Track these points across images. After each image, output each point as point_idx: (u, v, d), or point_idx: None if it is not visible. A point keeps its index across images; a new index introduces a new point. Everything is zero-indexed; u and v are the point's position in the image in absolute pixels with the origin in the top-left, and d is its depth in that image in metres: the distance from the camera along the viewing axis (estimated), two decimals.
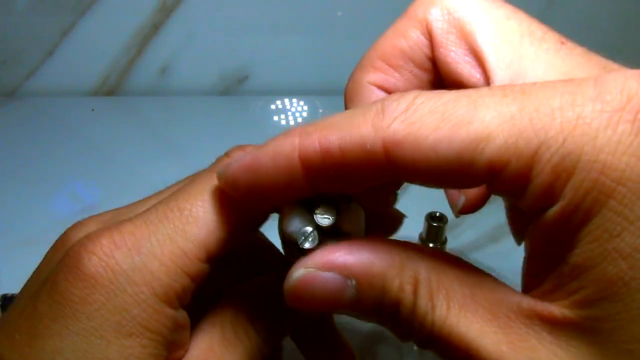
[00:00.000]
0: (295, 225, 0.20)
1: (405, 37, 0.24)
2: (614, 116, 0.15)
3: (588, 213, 0.15)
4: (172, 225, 0.20)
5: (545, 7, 0.67)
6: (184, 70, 0.69)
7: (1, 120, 0.63)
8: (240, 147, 0.23)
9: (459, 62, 0.22)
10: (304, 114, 0.67)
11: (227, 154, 0.23)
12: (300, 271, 0.18)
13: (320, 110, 0.67)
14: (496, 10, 0.22)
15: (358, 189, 0.19)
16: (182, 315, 0.20)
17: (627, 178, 0.15)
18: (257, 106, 0.67)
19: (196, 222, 0.20)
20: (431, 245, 0.42)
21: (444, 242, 0.43)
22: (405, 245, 0.18)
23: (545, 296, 0.17)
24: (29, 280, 0.21)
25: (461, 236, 0.49)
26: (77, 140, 0.60)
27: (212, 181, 0.21)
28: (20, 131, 0.62)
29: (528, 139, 0.15)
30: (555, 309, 0.16)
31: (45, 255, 0.22)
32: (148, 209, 0.21)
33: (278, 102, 0.68)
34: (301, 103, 0.68)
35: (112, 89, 0.70)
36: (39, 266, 0.22)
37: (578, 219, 0.15)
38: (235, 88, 0.71)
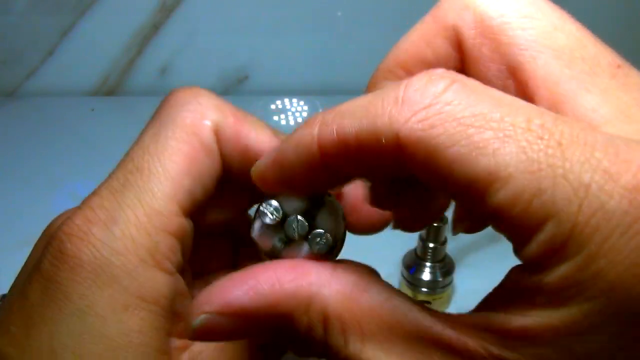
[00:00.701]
0: (268, 245, 0.20)
1: (431, 47, 0.21)
2: (634, 226, 0.14)
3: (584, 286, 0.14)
4: (136, 188, 0.19)
5: None
6: (184, 70, 0.69)
7: (1, 120, 0.63)
8: (194, 93, 0.22)
9: (494, 82, 0.20)
10: (304, 114, 0.67)
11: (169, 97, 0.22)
12: (202, 317, 0.18)
13: (320, 110, 0.67)
14: (541, 18, 0.19)
15: (376, 178, 0.18)
16: (178, 282, 0.20)
17: (633, 303, 0.14)
18: (257, 106, 0.67)
19: (158, 178, 0.20)
20: (431, 245, 0.42)
21: (444, 242, 0.43)
22: (316, 271, 0.18)
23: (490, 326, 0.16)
24: (18, 275, 0.21)
25: (461, 236, 0.49)
26: (77, 140, 0.60)
27: (161, 134, 0.20)
28: (20, 131, 0.62)
29: (543, 203, 0.14)
30: (476, 344, 0.15)
31: (32, 249, 0.22)
32: (109, 177, 0.20)
33: (278, 102, 0.68)
34: (301, 103, 0.68)
35: (112, 89, 0.70)
36: (26, 260, 0.22)
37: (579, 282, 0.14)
38: (235, 88, 0.71)
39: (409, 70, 0.22)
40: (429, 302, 0.44)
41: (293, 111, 0.67)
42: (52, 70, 0.68)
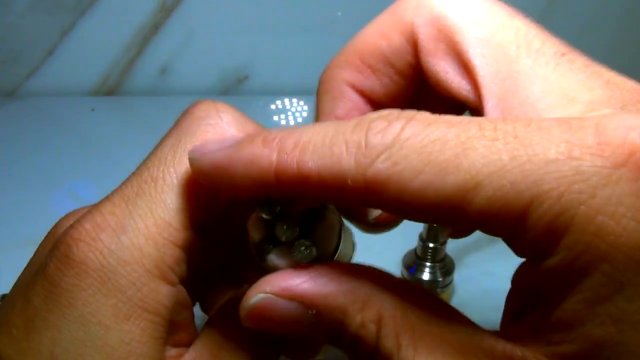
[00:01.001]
0: (257, 237, 0.20)
1: (387, 40, 0.22)
2: (614, 174, 0.14)
3: (580, 274, 0.15)
4: (149, 197, 0.19)
5: (545, 7, 0.67)
6: (184, 70, 0.69)
7: (1, 120, 0.63)
8: (214, 107, 0.22)
9: (448, 72, 0.21)
10: (304, 114, 0.67)
11: (189, 112, 0.22)
12: (259, 296, 0.18)
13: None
14: (491, 18, 0.20)
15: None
16: (180, 293, 0.20)
17: (624, 244, 0.14)
18: (257, 106, 0.67)
19: (172, 190, 0.20)
20: (431, 245, 0.42)
21: (444, 242, 0.43)
22: (372, 275, 0.18)
23: (522, 338, 0.16)
24: (21, 275, 0.21)
25: None
26: (77, 140, 0.60)
27: (180, 145, 0.20)
28: (20, 131, 0.62)
29: (519, 192, 0.15)
30: (531, 355, 0.16)
31: (37, 249, 0.22)
32: (123, 184, 0.20)
33: (278, 102, 0.68)
34: (301, 103, 0.68)
35: (112, 88, 0.70)
36: (30, 260, 0.21)
37: (569, 277, 0.15)
38: (235, 88, 0.71)
39: (366, 60, 0.23)
40: None
41: (293, 111, 0.67)
42: (52, 70, 0.68)
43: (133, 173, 0.21)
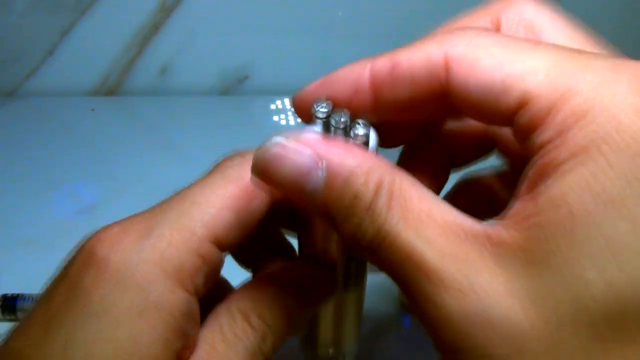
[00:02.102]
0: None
1: (475, 22, 0.24)
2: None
3: (580, 151, 0.16)
4: (177, 211, 0.21)
5: None
6: (184, 70, 0.69)
7: (1, 120, 0.63)
8: (240, 154, 0.23)
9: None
10: None
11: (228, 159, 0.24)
12: (275, 140, 0.19)
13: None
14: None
15: (418, 114, 0.21)
16: (194, 304, 0.20)
17: (632, 136, 0.15)
18: (257, 106, 0.67)
19: (199, 206, 0.21)
20: None
21: None
22: (379, 157, 0.19)
23: (505, 221, 0.17)
24: (50, 279, 0.22)
25: None
26: (77, 140, 0.60)
27: (209, 178, 0.22)
28: (20, 131, 0.62)
29: (563, 83, 0.16)
30: (504, 232, 0.16)
31: (65, 261, 0.22)
32: (155, 204, 0.22)
33: (278, 102, 0.68)
34: None
35: (112, 89, 0.70)
36: (58, 271, 0.22)
37: (567, 153, 0.16)
38: (235, 88, 0.71)
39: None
40: None
41: (293, 111, 0.67)
42: (52, 70, 0.68)
43: (165, 199, 0.22)
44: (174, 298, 0.19)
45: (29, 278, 0.33)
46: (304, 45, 0.69)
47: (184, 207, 0.21)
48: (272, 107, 0.67)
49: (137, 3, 0.65)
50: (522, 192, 0.17)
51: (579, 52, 0.18)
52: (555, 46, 0.18)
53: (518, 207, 0.17)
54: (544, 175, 0.16)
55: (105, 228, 0.20)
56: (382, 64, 0.20)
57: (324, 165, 0.18)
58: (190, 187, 0.22)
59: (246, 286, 0.23)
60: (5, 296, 0.38)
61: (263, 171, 0.19)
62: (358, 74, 0.20)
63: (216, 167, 0.23)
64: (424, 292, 0.17)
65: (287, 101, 0.68)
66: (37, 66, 0.68)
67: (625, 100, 0.16)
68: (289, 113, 0.67)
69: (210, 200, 0.21)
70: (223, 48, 0.69)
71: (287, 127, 0.65)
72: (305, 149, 0.19)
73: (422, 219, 0.17)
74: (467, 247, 0.17)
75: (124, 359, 0.18)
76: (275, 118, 0.66)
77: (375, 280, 0.25)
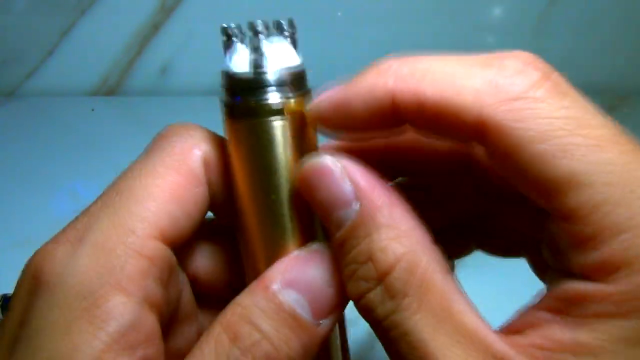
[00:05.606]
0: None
1: None
2: None
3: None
4: (113, 209, 0.18)
5: (545, 7, 0.67)
6: (184, 70, 0.69)
7: (1, 120, 0.63)
8: (181, 126, 0.21)
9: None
10: None
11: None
12: (329, 159, 0.18)
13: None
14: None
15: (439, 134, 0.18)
16: (141, 311, 0.17)
17: None
18: None
19: (138, 200, 0.18)
20: None
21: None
22: (420, 228, 0.17)
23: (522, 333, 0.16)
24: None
25: None
26: (77, 140, 0.60)
27: (148, 159, 0.20)
28: (20, 131, 0.62)
29: (619, 215, 0.15)
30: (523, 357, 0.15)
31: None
32: (92, 203, 0.19)
33: None
34: None
35: (112, 89, 0.70)
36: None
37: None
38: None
39: None
40: None
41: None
42: (52, 70, 0.68)
43: (101, 194, 0.20)
44: (109, 305, 0.17)
45: None
46: (304, 45, 0.69)
47: (121, 203, 0.18)
48: None
49: (137, 3, 0.65)
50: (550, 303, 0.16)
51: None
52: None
53: (554, 330, 0.16)
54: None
55: (44, 244, 0.18)
56: (406, 97, 0.17)
57: (357, 207, 0.17)
58: (126, 175, 0.19)
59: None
60: (5, 296, 0.38)
61: (305, 178, 0.18)
62: (379, 101, 0.18)
63: (155, 145, 0.20)
64: None
65: None
66: (37, 66, 0.68)
67: None
68: None
69: (150, 192, 0.18)
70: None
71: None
72: (347, 185, 0.17)
73: (441, 316, 0.16)
74: None
75: None
76: None
77: None
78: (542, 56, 0.18)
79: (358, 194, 0.17)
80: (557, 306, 0.16)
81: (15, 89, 0.68)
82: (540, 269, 0.22)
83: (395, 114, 0.17)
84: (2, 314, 0.38)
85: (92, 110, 0.66)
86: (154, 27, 0.66)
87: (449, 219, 0.24)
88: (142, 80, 0.69)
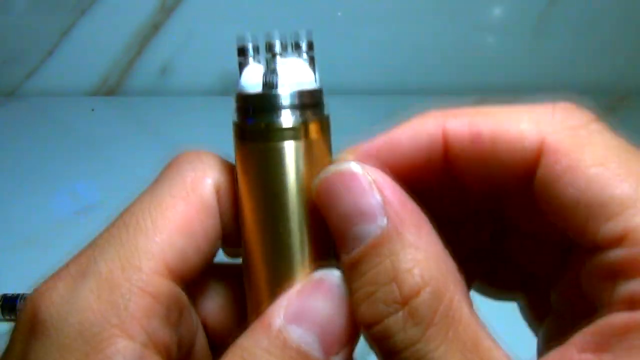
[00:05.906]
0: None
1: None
2: None
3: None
4: (118, 243, 0.17)
5: (546, 7, 0.67)
6: (184, 70, 0.69)
7: (1, 120, 0.63)
8: (193, 153, 0.20)
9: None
10: None
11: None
12: (355, 165, 0.17)
13: None
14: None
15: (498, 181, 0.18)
16: (145, 353, 0.16)
17: None
18: None
19: (145, 233, 0.17)
20: None
21: None
22: (447, 253, 0.17)
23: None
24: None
25: None
26: (77, 140, 0.60)
27: (157, 190, 0.18)
28: (20, 131, 0.62)
29: None
30: None
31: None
32: (98, 235, 0.18)
33: None
34: None
35: (112, 89, 0.70)
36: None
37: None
38: (236, 88, 0.71)
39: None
40: None
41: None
42: (52, 70, 0.68)
43: (107, 226, 0.18)
44: (114, 351, 0.16)
45: (29, 278, 0.33)
46: None
47: (127, 236, 0.17)
48: None
49: (137, 3, 0.65)
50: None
51: None
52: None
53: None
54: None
55: (46, 279, 0.17)
56: (459, 130, 0.17)
57: (383, 223, 0.16)
58: (134, 205, 0.18)
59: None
60: (5, 296, 0.38)
61: (326, 185, 0.17)
62: (429, 138, 0.17)
63: (165, 173, 0.19)
64: None
65: None
66: (37, 66, 0.68)
67: None
68: None
69: (158, 225, 0.17)
70: (223, 48, 0.68)
71: None
72: (375, 196, 0.16)
73: (469, 351, 0.15)
74: None
75: None
76: None
77: None
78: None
79: (386, 208, 0.16)
80: (598, 341, 0.15)
81: (15, 89, 0.68)
82: (537, 314, 0.21)
83: (448, 153, 0.17)
84: (2, 314, 0.38)
85: (92, 110, 0.66)
86: (154, 27, 0.66)
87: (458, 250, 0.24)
88: (142, 80, 0.69)
